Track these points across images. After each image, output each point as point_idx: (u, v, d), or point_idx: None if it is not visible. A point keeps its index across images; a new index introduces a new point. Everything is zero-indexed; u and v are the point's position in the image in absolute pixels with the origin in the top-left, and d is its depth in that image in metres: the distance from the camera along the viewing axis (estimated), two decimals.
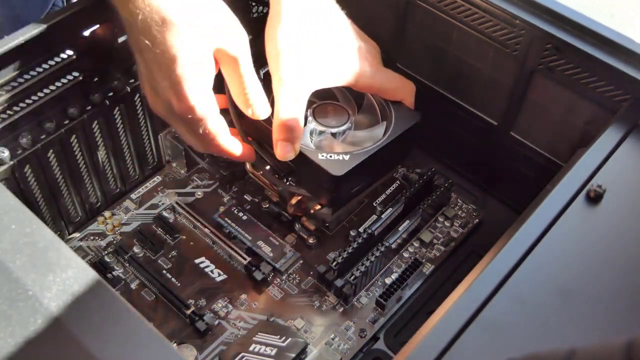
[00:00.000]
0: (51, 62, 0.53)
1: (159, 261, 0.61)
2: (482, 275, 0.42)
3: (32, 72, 0.52)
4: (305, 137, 0.57)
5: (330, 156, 0.56)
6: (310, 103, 0.56)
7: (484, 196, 0.68)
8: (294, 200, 0.61)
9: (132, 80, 0.59)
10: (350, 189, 0.61)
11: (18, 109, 0.53)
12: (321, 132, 0.59)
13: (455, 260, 0.63)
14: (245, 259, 0.60)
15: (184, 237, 0.63)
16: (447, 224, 0.65)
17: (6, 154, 0.52)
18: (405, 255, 0.63)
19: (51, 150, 0.55)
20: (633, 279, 0.42)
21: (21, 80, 0.51)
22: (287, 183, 0.60)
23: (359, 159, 0.56)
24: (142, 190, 0.67)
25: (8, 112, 0.52)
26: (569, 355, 0.33)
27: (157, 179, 0.68)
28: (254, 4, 0.66)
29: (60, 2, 0.79)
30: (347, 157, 0.56)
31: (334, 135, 0.60)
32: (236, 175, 0.67)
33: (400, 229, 0.61)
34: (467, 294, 0.41)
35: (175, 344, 0.55)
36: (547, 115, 0.59)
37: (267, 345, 0.54)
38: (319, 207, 0.61)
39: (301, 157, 0.55)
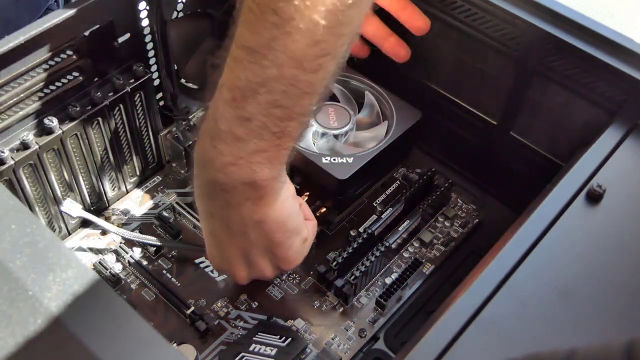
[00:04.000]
0: (51, 63, 0.53)
1: (159, 261, 0.61)
2: (482, 275, 0.42)
3: (31, 73, 0.52)
4: (308, 140, 0.57)
5: (334, 159, 0.56)
6: None
7: (484, 196, 0.68)
8: (302, 199, 0.61)
9: (132, 80, 0.59)
10: (355, 191, 0.61)
11: (18, 109, 0.53)
12: (323, 134, 0.59)
13: (455, 260, 0.63)
14: None
15: (184, 237, 0.63)
16: (447, 224, 0.65)
17: (6, 154, 0.52)
18: (405, 255, 0.63)
19: (51, 150, 0.55)
20: (633, 279, 0.42)
21: (21, 80, 0.51)
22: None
23: (363, 161, 0.56)
24: (142, 190, 0.67)
25: (8, 112, 0.52)
26: (569, 356, 0.33)
27: (157, 179, 0.68)
28: None
29: (55, 7, 0.79)
30: (350, 160, 0.56)
31: (336, 137, 0.60)
32: None
33: (400, 229, 0.61)
34: (467, 294, 0.41)
35: (175, 344, 0.55)
36: (547, 115, 0.59)
37: (267, 345, 0.54)
38: (324, 209, 0.61)
39: (305, 161, 0.55)
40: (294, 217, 0.50)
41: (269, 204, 0.46)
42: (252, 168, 0.43)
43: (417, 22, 0.61)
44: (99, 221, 0.61)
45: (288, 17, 0.37)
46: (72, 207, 0.59)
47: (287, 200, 0.48)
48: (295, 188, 0.60)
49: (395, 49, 0.64)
